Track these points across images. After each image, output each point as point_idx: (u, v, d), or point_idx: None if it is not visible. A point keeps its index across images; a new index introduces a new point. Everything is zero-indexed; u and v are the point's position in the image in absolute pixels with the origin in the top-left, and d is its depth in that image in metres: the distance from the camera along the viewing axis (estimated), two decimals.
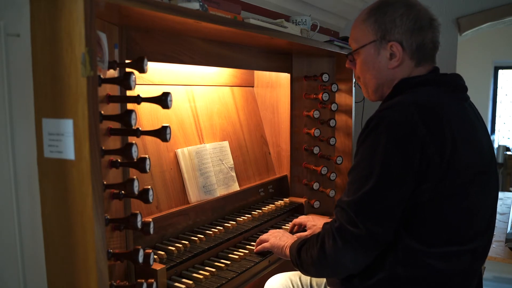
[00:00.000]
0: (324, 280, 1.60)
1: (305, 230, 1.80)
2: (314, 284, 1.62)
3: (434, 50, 1.29)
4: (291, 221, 1.92)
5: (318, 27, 2.30)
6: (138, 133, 1.12)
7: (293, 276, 1.65)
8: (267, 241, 1.58)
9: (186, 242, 1.51)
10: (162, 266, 1.31)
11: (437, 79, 1.26)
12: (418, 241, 1.14)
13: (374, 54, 1.30)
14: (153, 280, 1.15)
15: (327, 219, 1.71)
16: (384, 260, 1.17)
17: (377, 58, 1.29)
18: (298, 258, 1.34)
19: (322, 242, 1.22)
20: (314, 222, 1.78)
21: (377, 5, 1.30)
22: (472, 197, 1.15)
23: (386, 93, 1.33)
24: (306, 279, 1.63)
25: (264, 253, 1.62)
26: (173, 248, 1.46)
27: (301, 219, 1.84)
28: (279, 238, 1.55)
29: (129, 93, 1.18)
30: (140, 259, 1.11)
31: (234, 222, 1.75)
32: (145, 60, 1.09)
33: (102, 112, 1.05)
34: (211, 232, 1.63)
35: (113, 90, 1.17)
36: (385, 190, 1.10)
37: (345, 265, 1.19)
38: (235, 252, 1.61)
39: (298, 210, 2.12)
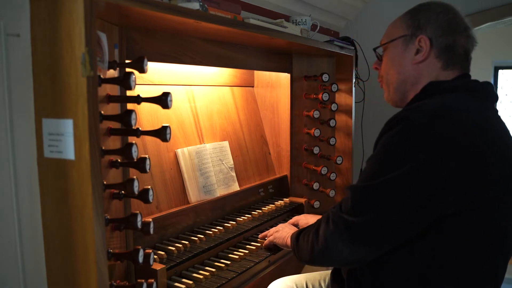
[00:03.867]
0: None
1: None
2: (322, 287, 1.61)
3: (465, 59, 1.24)
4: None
5: (318, 27, 2.30)
6: (138, 133, 1.12)
7: (298, 280, 1.63)
8: (271, 235, 1.61)
9: (186, 242, 1.51)
10: (162, 266, 1.31)
11: (468, 85, 1.19)
12: (443, 269, 1.07)
13: (401, 49, 1.26)
14: (153, 280, 1.15)
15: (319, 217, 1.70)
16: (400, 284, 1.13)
17: (404, 53, 1.26)
18: (296, 244, 1.34)
19: (318, 226, 1.22)
20: (307, 220, 1.76)
21: (416, 6, 1.29)
22: (503, 210, 1.09)
23: (408, 94, 1.28)
24: (314, 282, 1.62)
25: (272, 249, 1.64)
26: (173, 248, 1.46)
27: (295, 218, 1.83)
28: (281, 229, 1.58)
29: (129, 93, 1.18)
30: (140, 259, 1.11)
31: (234, 222, 1.75)
32: (145, 60, 1.09)
33: (102, 112, 1.05)
34: (211, 232, 1.63)
35: (113, 90, 1.17)
36: (387, 191, 1.05)
37: (331, 252, 1.16)
38: (235, 252, 1.61)
39: (298, 210, 2.12)
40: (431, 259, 1.08)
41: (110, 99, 1.13)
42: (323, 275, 1.64)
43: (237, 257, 1.58)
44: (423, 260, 1.09)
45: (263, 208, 1.95)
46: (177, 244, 1.49)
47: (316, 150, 2.21)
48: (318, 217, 1.79)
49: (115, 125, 1.12)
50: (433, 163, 1.02)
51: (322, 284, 1.61)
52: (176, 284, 1.35)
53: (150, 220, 1.16)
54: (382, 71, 1.35)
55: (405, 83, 1.27)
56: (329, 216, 1.18)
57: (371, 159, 1.13)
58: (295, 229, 1.57)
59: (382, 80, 1.37)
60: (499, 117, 1.19)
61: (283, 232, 1.55)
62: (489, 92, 1.20)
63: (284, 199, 2.11)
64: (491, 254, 1.11)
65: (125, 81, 1.07)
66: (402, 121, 1.07)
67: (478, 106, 1.14)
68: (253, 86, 2.27)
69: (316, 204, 2.21)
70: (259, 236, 1.74)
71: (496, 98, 1.22)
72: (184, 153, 1.72)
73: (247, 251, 1.63)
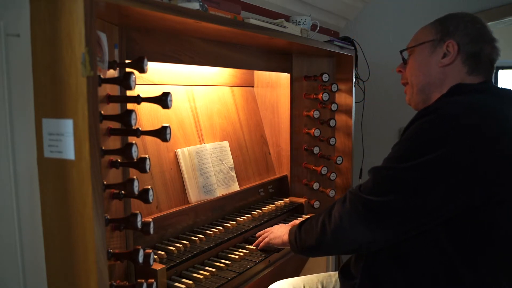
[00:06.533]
0: (332, 285, 1.59)
1: None
2: None
3: (489, 67, 1.27)
4: (291, 221, 1.92)
5: (318, 27, 2.30)
6: (138, 133, 1.12)
7: (296, 283, 1.63)
8: (266, 237, 1.61)
9: (186, 242, 1.51)
10: (162, 266, 1.31)
11: (494, 90, 1.24)
12: (464, 261, 1.09)
13: (428, 52, 1.29)
14: (153, 280, 1.15)
15: None
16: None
17: (430, 56, 1.28)
18: (298, 233, 1.34)
19: (332, 206, 1.23)
20: None
21: (447, 14, 1.32)
22: None
23: (432, 96, 1.29)
24: (312, 285, 1.62)
25: (267, 250, 1.64)
26: (173, 248, 1.46)
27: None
28: (277, 229, 1.59)
29: (129, 93, 1.18)
30: (140, 259, 1.11)
31: (234, 222, 1.75)
32: (145, 60, 1.09)
33: (102, 112, 1.05)
34: (211, 232, 1.63)
35: (113, 90, 1.17)
36: (416, 176, 1.05)
37: (344, 231, 1.16)
38: (235, 252, 1.61)
39: (298, 210, 2.12)
40: (453, 252, 1.09)
41: (110, 99, 1.13)
42: (320, 277, 1.64)
43: (237, 257, 1.58)
44: (444, 254, 1.10)
45: (263, 208, 1.95)
46: (177, 244, 1.49)
47: (316, 150, 2.21)
48: None
49: (115, 125, 1.12)
50: (464, 152, 1.03)
51: (319, 287, 1.61)
52: (176, 284, 1.35)
53: (150, 220, 1.16)
54: (407, 73, 1.37)
55: (430, 85, 1.30)
56: (346, 197, 1.18)
57: (398, 144, 1.14)
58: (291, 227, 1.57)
59: (406, 82, 1.38)
60: None
61: (278, 232, 1.55)
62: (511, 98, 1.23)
63: (284, 199, 2.11)
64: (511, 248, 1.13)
65: (125, 81, 1.07)
66: (436, 111, 1.09)
67: (502, 108, 1.17)
68: (253, 86, 2.27)
69: (316, 204, 2.21)
70: (257, 235, 1.73)
71: None
72: (184, 153, 1.72)
73: (247, 251, 1.63)
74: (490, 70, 1.28)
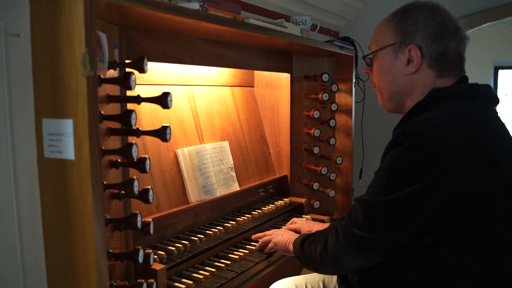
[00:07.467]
0: (333, 284, 1.59)
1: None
2: None
3: (459, 62, 1.22)
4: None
5: (318, 27, 2.30)
6: (138, 133, 1.12)
7: (298, 282, 1.63)
8: (270, 241, 1.60)
9: (186, 242, 1.51)
10: (162, 266, 1.31)
11: (471, 91, 1.17)
12: (458, 273, 1.08)
13: (391, 58, 1.24)
14: (153, 280, 1.15)
15: (322, 225, 1.70)
16: None
17: (394, 62, 1.23)
18: (301, 251, 1.34)
19: (326, 238, 1.22)
20: (309, 228, 1.71)
21: (403, 8, 1.25)
22: None
23: (404, 103, 1.26)
24: (313, 283, 1.62)
25: (267, 252, 1.63)
26: (173, 248, 1.46)
27: (296, 224, 1.76)
28: (281, 235, 1.58)
29: (129, 93, 1.18)
30: (140, 259, 1.11)
31: (234, 222, 1.75)
32: (145, 60, 1.09)
33: (102, 112, 1.05)
34: (211, 232, 1.63)
35: (113, 90, 1.17)
36: (400, 207, 1.06)
37: (343, 263, 1.19)
38: (235, 252, 1.61)
39: (298, 210, 2.12)
40: (445, 265, 1.09)
41: (110, 99, 1.13)
42: (322, 276, 1.64)
43: (237, 257, 1.58)
44: (436, 266, 1.10)
45: (263, 208, 1.95)
46: (177, 244, 1.49)
47: (316, 150, 2.21)
48: (318, 224, 1.78)
49: (115, 125, 1.12)
50: (446, 177, 1.02)
51: (321, 285, 1.61)
52: (176, 284, 1.35)
53: (150, 220, 1.16)
54: (374, 78, 1.33)
55: (399, 93, 1.26)
56: (338, 229, 1.18)
57: (380, 172, 1.13)
58: (294, 234, 1.56)
59: (375, 85, 1.35)
60: (500, 119, 1.19)
61: (283, 238, 1.54)
62: (491, 96, 1.20)
63: (284, 199, 2.11)
64: (507, 258, 1.12)
65: (125, 81, 1.07)
66: (413, 136, 1.06)
67: (483, 112, 1.15)
68: (253, 86, 2.27)
69: (316, 204, 2.21)
70: (253, 237, 1.72)
71: (497, 101, 1.22)
72: (184, 153, 1.72)
73: (247, 251, 1.63)
74: (460, 64, 1.22)
